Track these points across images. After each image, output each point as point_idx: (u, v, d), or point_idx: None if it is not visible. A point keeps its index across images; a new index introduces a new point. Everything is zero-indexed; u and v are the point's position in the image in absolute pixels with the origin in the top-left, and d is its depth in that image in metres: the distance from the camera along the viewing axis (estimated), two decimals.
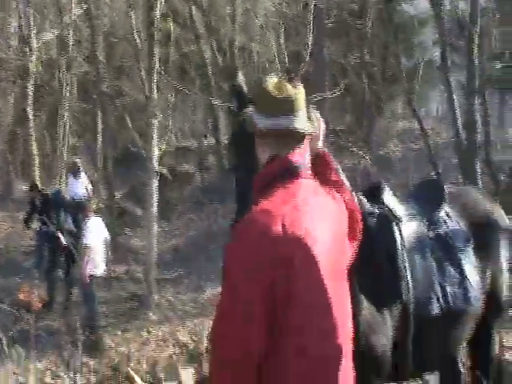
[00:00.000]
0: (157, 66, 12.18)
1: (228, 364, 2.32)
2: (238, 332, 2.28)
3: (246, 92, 3.29)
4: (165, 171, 17.12)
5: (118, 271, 13.92)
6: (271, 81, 2.60)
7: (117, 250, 15.55)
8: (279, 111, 2.55)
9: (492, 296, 4.09)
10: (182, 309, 11.32)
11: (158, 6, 12.14)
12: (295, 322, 2.29)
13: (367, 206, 3.58)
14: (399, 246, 3.54)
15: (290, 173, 2.51)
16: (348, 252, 2.66)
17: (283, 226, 2.30)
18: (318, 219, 2.44)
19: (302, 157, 2.57)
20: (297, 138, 2.57)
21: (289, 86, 2.57)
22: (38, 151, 17.98)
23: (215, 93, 17.95)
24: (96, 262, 10.06)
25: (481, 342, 4.20)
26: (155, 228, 12.08)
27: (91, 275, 9.98)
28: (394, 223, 3.60)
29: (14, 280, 12.84)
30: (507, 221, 4.60)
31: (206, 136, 25.27)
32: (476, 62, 10.02)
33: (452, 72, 11.08)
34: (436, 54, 22.66)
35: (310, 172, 2.60)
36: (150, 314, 10.91)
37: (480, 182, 9.91)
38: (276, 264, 2.26)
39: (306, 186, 2.53)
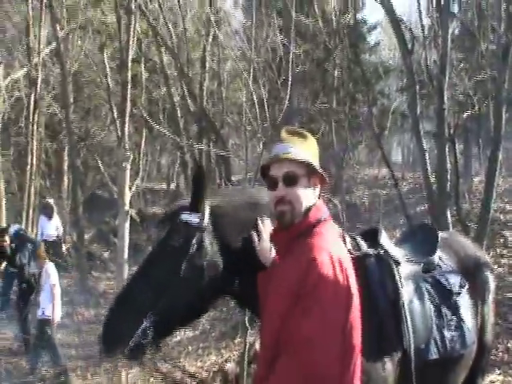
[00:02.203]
0: (128, 108, 12.19)
1: None
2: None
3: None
4: (133, 214, 16.96)
5: (87, 314, 13.69)
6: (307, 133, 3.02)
7: (85, 293, 15.35)
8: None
9: (480, 339, 4.10)
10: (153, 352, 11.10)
11: (130, 49, 12.22)
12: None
13: (364, 247, 3.56)
14: (400, 290, 3.51)
15: (323, 220, 2.92)
16: None
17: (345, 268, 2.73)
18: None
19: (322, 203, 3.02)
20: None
21: None
22: (5, 191, 17.71)
23: (184, 136, 17.99)
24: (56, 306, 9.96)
25: None
26: (126, 271, 11.95)
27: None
28: (393, 265, 3.58)
29: None
30: (492, 265, 4.70)
31: (172, 179, 25.31)
32: (446, 110, 10.21)
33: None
34: (398, 101, 23.20)
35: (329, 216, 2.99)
36: (120, 357, 10.66)
37: (451, 229, 10.04)
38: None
39: (334, 228, 2.98)
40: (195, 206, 3.20)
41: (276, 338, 2.69)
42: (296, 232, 2.85)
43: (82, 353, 11.26)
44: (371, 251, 3.55)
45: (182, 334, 11.56)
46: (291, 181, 2.86)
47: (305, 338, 2.55)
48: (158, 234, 3.32)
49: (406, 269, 3.69)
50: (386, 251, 3.62)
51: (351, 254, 3.27)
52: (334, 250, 2.73)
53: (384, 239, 3.70)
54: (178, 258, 3.12)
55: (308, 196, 2.91)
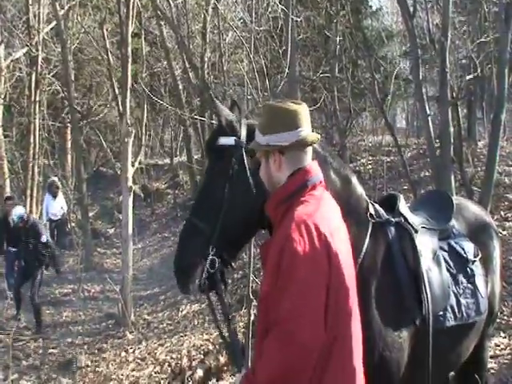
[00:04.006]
0: (129, 83, 12.06)
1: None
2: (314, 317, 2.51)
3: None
4: (137, 189, 16.97)
5: (93, 291, 13.78)
6: (277, 103, 2.90)
7: (91, 270, 15.41)
8: (295, 125, 2.81)
9: (489, 305, 4.09)
10: (159, 327, 11.17)
11: (130, 24, 12.06)
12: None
13: (384, 214, 3.56)
14: (420, 258, 3.52)
15: (309, 185, 2.79)
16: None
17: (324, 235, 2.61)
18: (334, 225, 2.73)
19: (316, 167, 2.88)
20: (308, 148, 2.86)
21: (291, 103, 2.86)
22: (9, 171, 17.67)
23: (186, 109, 17.89)
24: None
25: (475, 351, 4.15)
26: (131, 247, 11.94)
27: None
28: (413, 233, 3.59)
29: None
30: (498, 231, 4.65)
31: (176, 153, 25.23)
32: (448, 74, 10.06)
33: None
34: (401, 67, 22.91)
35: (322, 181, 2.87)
36: (127, 333, 10.74)
37: (454, 194, 9.95)
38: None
39: (324, 196, 2.84)
40: (230, 127, 3.28)
41: (264, 314, 2.67)
42: (282, 194, 2.80)
43: (89, 329, 11.35)
44: (392, 219, 3.57)
45: (187, 308, 11.60)
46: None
47: (283, 314, 2.51)
48: (205, 163, 3.59)
49: (423, 237, 3.70)
50: (405, 219, 3.63)
51: (372, 219, 3.39)
52: (314, 219, 2.63)
53: (403, 206, 3.71)
54: (225, 180, 3.21)
55: (271, 169, 2.87)
